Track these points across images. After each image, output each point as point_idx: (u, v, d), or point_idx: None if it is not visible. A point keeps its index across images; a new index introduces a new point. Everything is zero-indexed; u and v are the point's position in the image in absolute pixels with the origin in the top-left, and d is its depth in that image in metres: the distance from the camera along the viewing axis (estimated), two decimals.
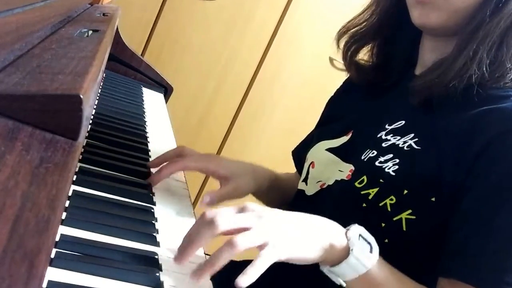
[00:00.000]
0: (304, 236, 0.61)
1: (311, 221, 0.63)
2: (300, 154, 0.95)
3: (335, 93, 0.98)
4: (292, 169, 1.00)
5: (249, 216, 0.59)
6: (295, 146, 1.01)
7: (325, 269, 0.64)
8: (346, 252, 0.62)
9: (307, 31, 2.07)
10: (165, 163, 0.83)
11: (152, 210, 0.71)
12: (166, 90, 1.49)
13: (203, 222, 0.58)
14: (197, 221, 0.59)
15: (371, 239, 0.64)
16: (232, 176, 0.84)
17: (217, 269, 0.55)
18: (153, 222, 0.68)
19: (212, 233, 0.56)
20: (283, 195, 0.95)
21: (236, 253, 0.55)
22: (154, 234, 0.65)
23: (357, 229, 0.64)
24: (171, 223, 0.71)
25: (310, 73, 2.11)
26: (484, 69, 0.67)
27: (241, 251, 0.55)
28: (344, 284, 0.63)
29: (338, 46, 0.87)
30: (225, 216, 0.57)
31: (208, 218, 0.57)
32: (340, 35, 0.87)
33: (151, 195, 0.76)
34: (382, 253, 0.68)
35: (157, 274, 0.57)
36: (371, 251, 0.63)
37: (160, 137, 1.09)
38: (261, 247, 0.57)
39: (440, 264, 0.66)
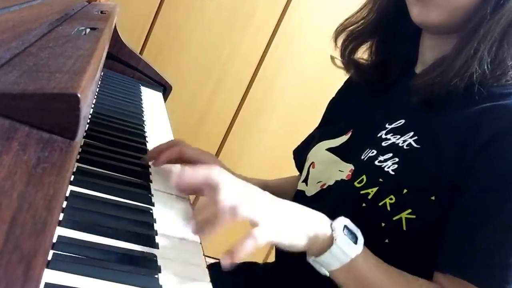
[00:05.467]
0: (291, 223, 0.63)
1: (298, 210, 0.66)
2: (301, 153, 0.94)
3: (336, 94, 0.97)
4: (292, 168, 0.99)
5: (248, 193, 0.62)
6: (296, 146, 1.01)
7: (311, 260, 0.65)
8: (330, 242, 0.63)
9: (308, 29, 2.07)
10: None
11: (151, 211, 0.71)
12: (165, 89, 1.48)
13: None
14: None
15: (357, 230, 0.66)
16: None
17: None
18: (152, 223, 0.67)
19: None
20: None
21: (236, 218, 0.58)
22: (153, 235, 0.64)
23: (342, 221, 0.66)
24: (170, 224, 0.71)
25: (311, 72, 2.11)
26: (485, 67, 0.67)
27: (237, 219, 0.58)
28: (327, 274, 0.65)
29: (336, 44, 0.87)
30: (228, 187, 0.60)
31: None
32: (337, 33, 0.87)
33: (150, 196, 0.75)
34: (383, 253, 0.68)
35: (156, 276, 0.56)
36: (356, 242, 0.64)
37: (159, 137, 1.08)
38: (253, 225, 0.59)
39: (437, 259, 0.65)
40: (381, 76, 0.85)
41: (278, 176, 1.06)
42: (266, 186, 0.96)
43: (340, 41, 0.86)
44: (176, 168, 0.88)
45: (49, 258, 0.50)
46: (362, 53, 0.87)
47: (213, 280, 0.59)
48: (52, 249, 0.52)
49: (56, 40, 0.73)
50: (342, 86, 0.97)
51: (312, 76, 2.11)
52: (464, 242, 0.63)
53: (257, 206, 0.61)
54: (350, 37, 0.85)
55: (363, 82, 0.87)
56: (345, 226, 0.65)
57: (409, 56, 0.83)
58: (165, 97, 1.46)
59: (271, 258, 0.93)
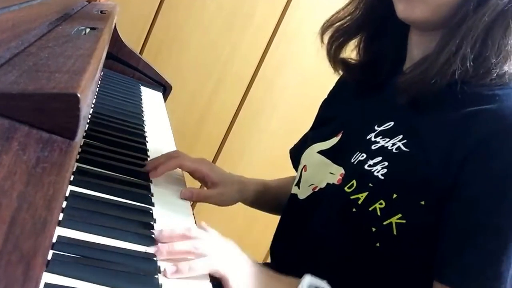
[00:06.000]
0: (260, 284, 0.66)
1: (266, 274, 0.68)
2: (296, 153, 0.94)
3: (328, 95, 0.96)
4: (292, 168, 0.99)
5: (229, 252, 0.67)
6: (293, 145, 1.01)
7: None
8: None
9: (308, 29, 2.05)
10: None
11: (151, 211, 0.70)
12: (165, 88, 1.48)
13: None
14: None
15: (323, 286, 0.67)
16: (220, 183, 0.89)
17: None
18: (152, 223, 0.67)
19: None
20: (273, 203, 0.99)
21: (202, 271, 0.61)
22: (153, 235, 0.64)
23: (307, 280, 0.66)
24: (170, 224, 0.70)
25: (311, 72, 2.10)
26: (468, 64, 0.65)
27: (204, 271, 0.62)
28: None
29: (322, 41, 0.85)
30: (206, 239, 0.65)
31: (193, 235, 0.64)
32: (323, 29, 0.85)
33: (149, 196, 0.75)
34: (374, 257, 0.69)
35: (156, 277, 0.56)
36: None
37: (159, 137, 1.08)
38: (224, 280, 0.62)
39: (435, 267, 0.65)
40: (371, 75, 0.83)
41: (278, 176, 1.06)
42: (267, 186, 0.96)
43: (326, 38, 0.85)
44: (176, 172, 0.89)
45: (49, 258, 0.50)
46: (351, 52, 0.85)
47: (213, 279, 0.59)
48: (52, 249, 0.52)
49: (56, 40, 0.73)
50: (334, 86, 0.95)
51: (312, 76, 2.10)
52: (459, 251, 0.62)
53: (231, 263, 0.64)
54: (337, 33, 0.83)
55: (353, 81, 0.86)
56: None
57: (399, 54, 0.80)
58: (165, 97, 1.46)
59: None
